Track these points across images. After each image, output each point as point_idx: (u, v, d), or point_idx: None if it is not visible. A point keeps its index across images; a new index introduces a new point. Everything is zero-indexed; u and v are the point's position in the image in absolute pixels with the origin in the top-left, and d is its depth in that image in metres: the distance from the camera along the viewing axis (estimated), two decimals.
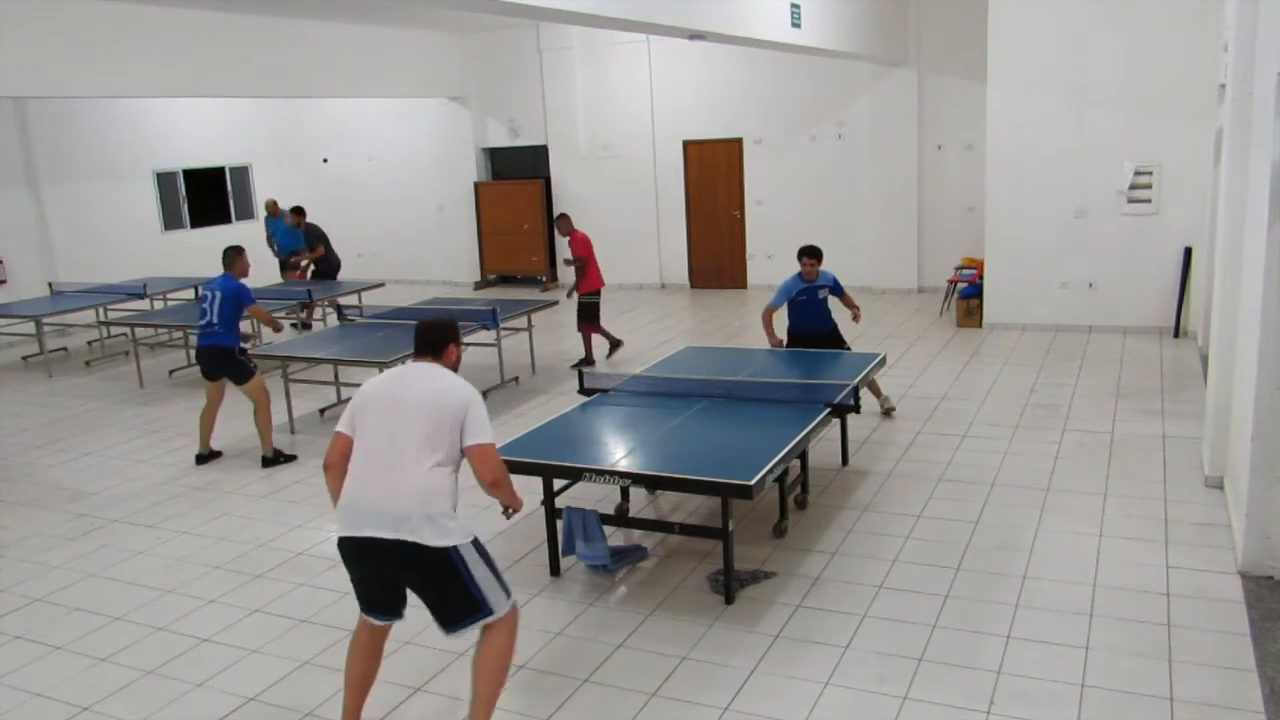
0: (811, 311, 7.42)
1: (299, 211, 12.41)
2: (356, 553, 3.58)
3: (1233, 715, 3.70)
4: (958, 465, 6.50)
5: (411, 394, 3.60)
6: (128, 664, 4.55)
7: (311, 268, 12.48)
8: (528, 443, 5.33)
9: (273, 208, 13.42)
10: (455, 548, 3.49)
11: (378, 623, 3.77)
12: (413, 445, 3.50)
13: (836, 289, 7.52)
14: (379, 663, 3.84)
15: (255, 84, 11.71)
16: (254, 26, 11.15)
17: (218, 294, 7.16)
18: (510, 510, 3.86)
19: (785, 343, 7.49)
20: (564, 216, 9.91)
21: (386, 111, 15.40)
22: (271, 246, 13.35)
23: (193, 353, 10.25)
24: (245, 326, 7.98)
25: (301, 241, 13.34)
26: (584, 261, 9.65)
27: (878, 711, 3.86)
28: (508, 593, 3.65)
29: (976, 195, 11.38)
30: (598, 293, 9.83)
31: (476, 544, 3.58)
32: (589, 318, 9.80)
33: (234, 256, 7.32)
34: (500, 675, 3.65)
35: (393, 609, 3.73)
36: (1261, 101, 4.91)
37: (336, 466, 3.66)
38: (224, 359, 7.21)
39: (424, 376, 3.68)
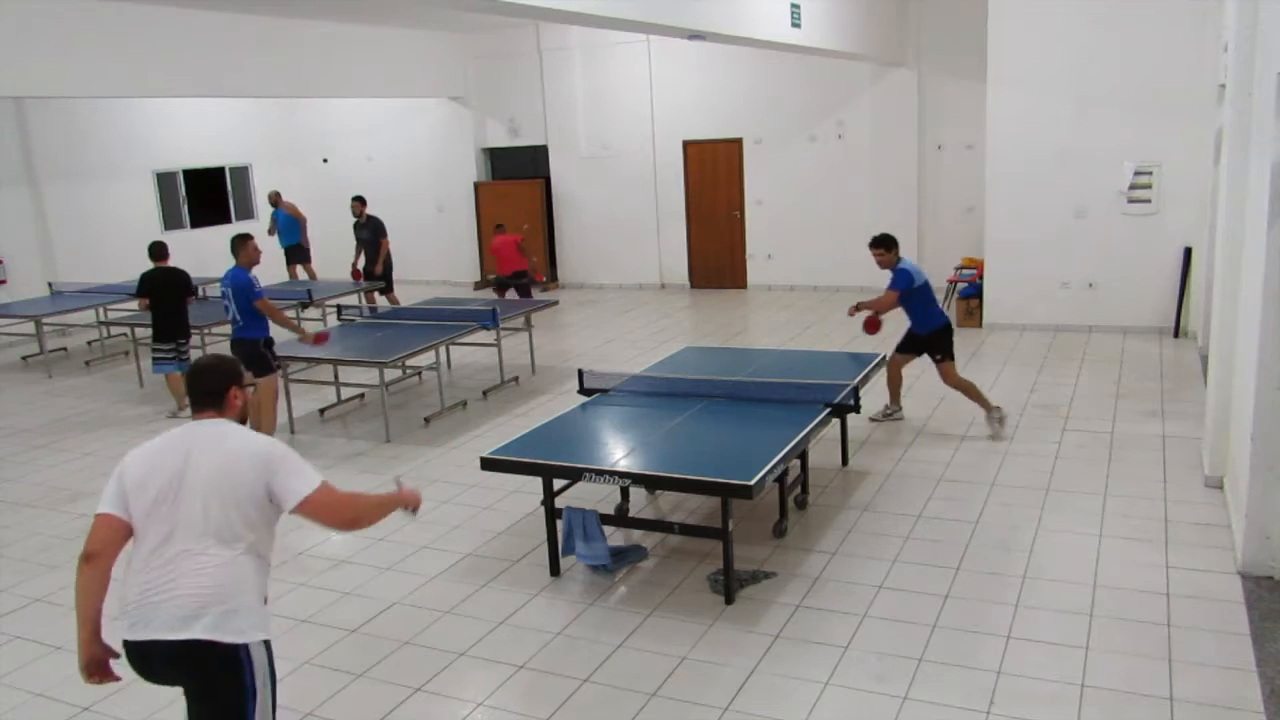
0: (906, 310, 7.10)
1: (361, 201, 12.04)
2: (141, 658, 2.94)
3: (1233, 715, 3.70)
4: (958, 465, 6.50)
5: (198, 468, 2.91)
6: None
7: (363, 265, 12.02)
8: (528, 443, 5.33)
9: (275, 199, 13.43)
10: (247, 646, 2.87)
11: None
12: (205, 534, 2.86)
13: (895, 284, 6.89)
14: None
15: (255, 84, 11.72)
16: (254, 26, 11.15)
17: (230, 289, 7.19)
18: (412, 509, 3.30)
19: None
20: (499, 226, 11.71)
21: (386, 111, 15.40)
22: (272, 235, 13.40)
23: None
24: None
25: (297, 236, 13.34)
26: (494, 258, 11.52)
27: (878, 711, 3.86)
28: None
29: (976, 195, 11.37)
30: (514, 274, 11.34)
31: (268, 647, 2.96)
32: (520, 293, 11.49)
33: (239, 244, 7.26)
34: None
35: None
36: (1261, 101, 4.90)
37: (102, 556, 2.87)
38: (245, 352, 7.11)
39: (209, 441, 2.98)
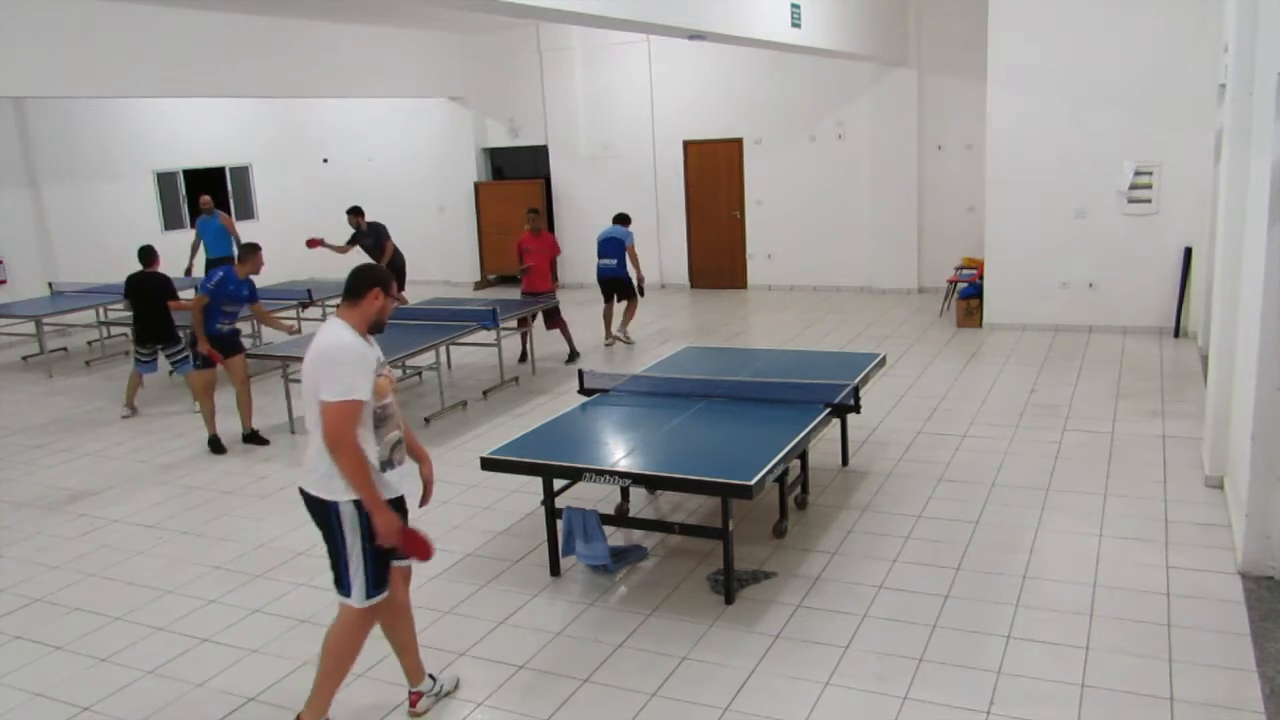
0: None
1: (357, 212, 11.19)
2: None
3: (1233, 715, 3.70)
4: (958, 465, 6.50)
5: (306, 362, 3.61)
6: (128, 664, 4.55)
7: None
8: (528, 443, 5.32)
9: (207, 205, 12.35)
10: (336, 504, 3.57)
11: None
12: (311, 417, 3.58)
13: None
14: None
15: (255, 84, 11.71)
16: (254, 26, 11.15)
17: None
18: (383, 538, 3.64)
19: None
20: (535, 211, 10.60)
21: (386, 111, 15.40)
22: (194, 252, 12.28)
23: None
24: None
25: (229, 248, 11.91)
26: (520, 253, 10.28)
27: (878, 711, 3.86)
28: (369, 586, 3.70)
29: (976, 195, 11.38)
30: (541, 294, 10.08)
31: (360, 509, 3.57)
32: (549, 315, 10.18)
33: (246, 254, 7.63)
34: (330, 662, 3.80)
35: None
36: (1261, 101, 4.91)
37: None
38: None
39: (315, 338, 3.62)
